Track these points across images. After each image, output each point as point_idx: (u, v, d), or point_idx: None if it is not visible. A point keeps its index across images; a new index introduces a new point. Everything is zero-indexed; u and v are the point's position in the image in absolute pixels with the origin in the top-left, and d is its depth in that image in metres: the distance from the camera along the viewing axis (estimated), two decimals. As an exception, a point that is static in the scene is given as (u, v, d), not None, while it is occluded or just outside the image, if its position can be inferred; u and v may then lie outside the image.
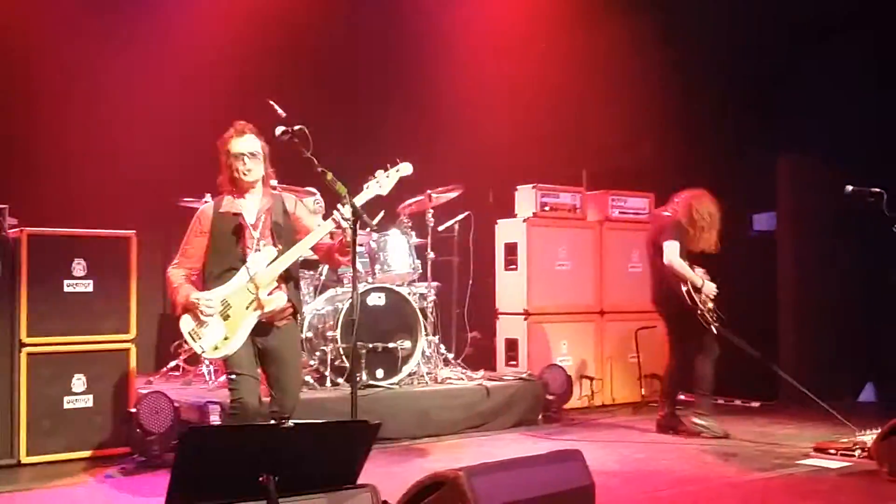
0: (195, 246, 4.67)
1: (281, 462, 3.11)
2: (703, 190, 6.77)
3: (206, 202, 5.44)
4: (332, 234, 4.64)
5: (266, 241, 4.62)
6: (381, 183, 4.65)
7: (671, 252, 6.53)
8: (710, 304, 6.60)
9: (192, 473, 3.03)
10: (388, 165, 4.76)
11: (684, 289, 6.51)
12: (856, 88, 8.22)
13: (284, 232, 4.68)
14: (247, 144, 4.58)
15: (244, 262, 4.55)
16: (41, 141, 7.34)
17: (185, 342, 4.67)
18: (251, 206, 4.67)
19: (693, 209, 6.61)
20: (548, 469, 3.73)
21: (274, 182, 4.92)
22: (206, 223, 4.66)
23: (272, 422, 4.46)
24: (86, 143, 7.51)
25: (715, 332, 6.57)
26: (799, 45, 8.32)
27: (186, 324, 4.54)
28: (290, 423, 3.21)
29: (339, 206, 4.37)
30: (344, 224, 4.36)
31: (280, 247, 4.61)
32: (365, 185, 4.65)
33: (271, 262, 4.54)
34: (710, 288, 6.60)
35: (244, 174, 4.58)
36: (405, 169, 4.77)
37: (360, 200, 4.51)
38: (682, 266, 6.53)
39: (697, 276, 6.56)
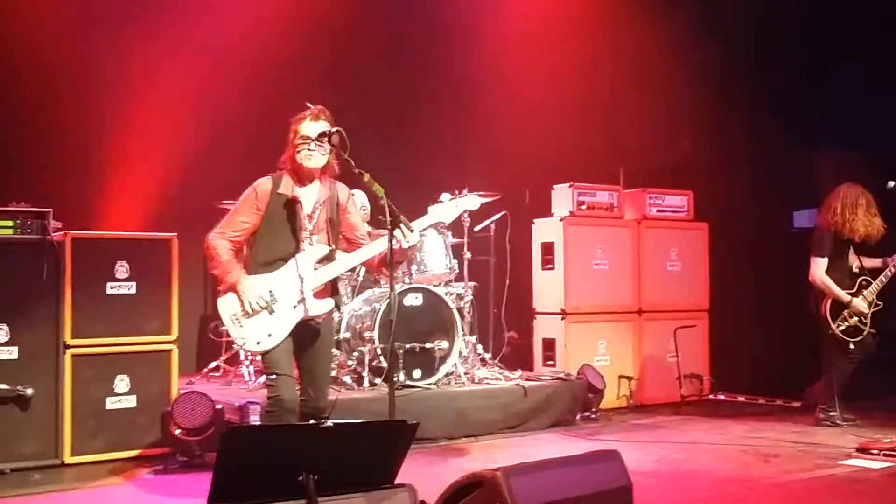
0: (245, 219, 4.52)
1: (320, 461, 3.14)
2: (844, 183, 6.89)
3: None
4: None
5: (319, 235, 4.55)
6: (448, 211, 4.68)
7: (815, 269, 6.78)
8: (854, 320, 6.75)
9: (233, 473, 3.07)
10: (456, 192, 4.74)
11: (826, 305, 6.75)
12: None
13: (335, 228, 4.62)
14: (318, 129, 4.47)
15: (296, 253, 4.48)
16: (84, 145, 7.45)
17: (223, 324, 4.58)
18: (309, 195, 4.56)
19: (831, 209, 6.81)
20: (585, 469, 3.73)
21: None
22: (264, 200, 4.51)
23: (310, 420, 4.44)
24: (128, 146, 7.60)
25: (852, 347, 6.72)
26: (840, 38, 8.21)
27: (229, 306, 4.47)
28: (330, 422, 3.22)
29: (402, 227, 4.31)
30: (405, 244, 4.36)
31: (333, 246, 4.58)
32: (430, 209, 4.67)
33: (321, 261, 4.51)
34: (858, 305, 6.76)
35: (306, 159, 4.47)
36: (473, 203, 4.77)
37: (421, 224, 4.53)
38: (823, 284, 6.76)
39: (843, 293, 6.74)
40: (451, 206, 4.70)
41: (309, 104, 4.60)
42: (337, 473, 3.18)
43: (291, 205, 4.52)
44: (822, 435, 6.53)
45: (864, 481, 5.19)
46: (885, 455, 5.68)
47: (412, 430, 3.40)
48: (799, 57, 8.43)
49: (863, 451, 5.83)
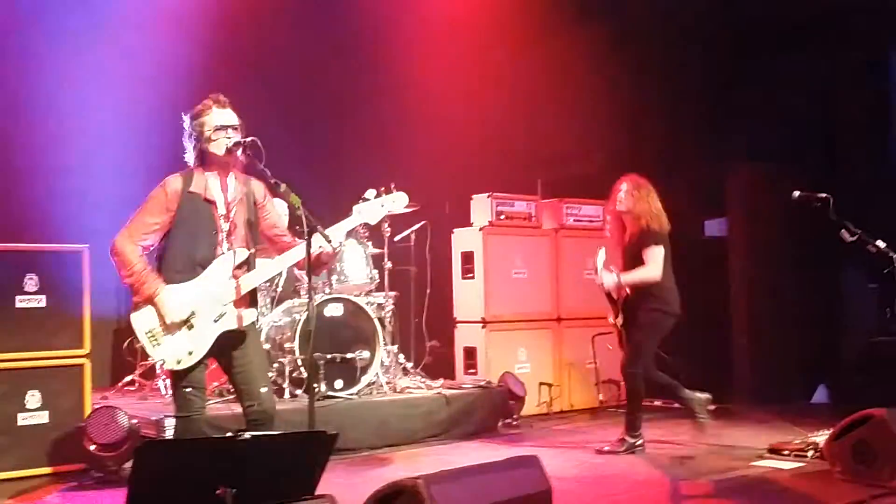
0: (154, 220, 4.19)
1: (239, 475, 3.11)
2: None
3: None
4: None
5: (236, 237, 4.29)
6: (373, 211, 4.47)
7: None
8: None
9: (148, 488, 3.02)
10: (383, 189, 4.52)
11: None
12: (806, 94, 8.38)
13: (254, 229, 4.38)
14: (232, 117, 4.28)
15: (213, 258, 4.22)
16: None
17: (137, 340, 4.25)
18: (223, 193, 4.30)
19: None
20: (505, 475, 3.78)
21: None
22: (174, 199, 4.20)
23: (260, 428, 4.17)
24: (37, 155, 7.41)
25: None
26: (749, 51, 8.47)
27: (144, 321, 4.17)
28: (247, 434, 3.19)
29: (320, 233, 4.14)
30: (327, 249, 4.23)
31: (252, 249, 4.34)
32: (355, 209, 4.46)
33: (240, 267, 4.28)
34: None
35: (228, 147, 4.22)
36: (399, 202, 4.54)
37: (345, 227, 4.36)
38: None
39: None
40: (377, 206, 4.49)
41: (221, 97, 4.35)
42: (256, 486, 3.15)
43: (205, 205, 4.24)
44: (737, 437, 6.70)
45: (774, 481, 5.35)
46: (795, 455, 5.86)
47: (332, 440, 3.39)
48: (710, 68, 8.67)
49: (775, 451, 6.01)
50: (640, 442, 6.24)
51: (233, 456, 3.15)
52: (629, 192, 6.32)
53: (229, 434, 3.25)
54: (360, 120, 9.04)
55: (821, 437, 5.92)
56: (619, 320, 6.34)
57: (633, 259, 6.25)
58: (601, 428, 7.39)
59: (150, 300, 4.17)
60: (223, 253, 4.28)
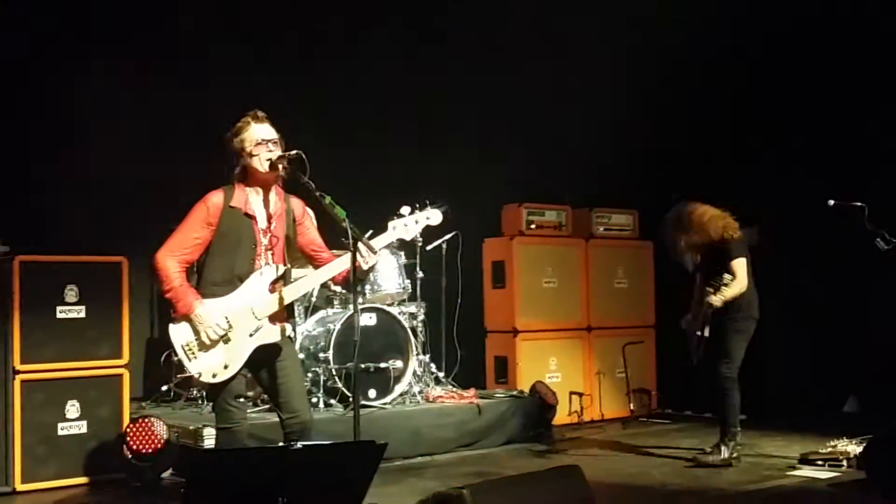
0: (196, 235, 4.22)
1: (290, 484, 3.14)
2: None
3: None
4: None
5: (275, 252, 4.31)
6: (409, 228, 4.45)
7: None
8: None
9: (203, 498, 3.06)
10: (417, 206, 4.52)
11: None
12: (838, 102, 8.33)
13: (291, 245, 4.40)
14: (271, 132, 4.29)
15: (251, 273, 4.24)
16: (31, 165, 7.32)
17: (175, 353, 4.28)
18: (264, 209, 4.31)
19: None
20: (549, 485, 3.81)
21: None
22: (216, 214, 4.22)
23: (297, 439, 4.11)
24: (76, 166, 7.48)
25: None
26: (780, 57, 8.43)
27: (181, 335, 4.18)
28: (299, 444, 3.22)
29: (360, 245, 4.15)
30: (364, 266, 4.23)
31: (289, 265, 4.38)
32: (390, 225, 4.45)
33: (276, 282, 4.28)
34: None
35: (271, 161, 4.22)
36: (434, 218, 4.53)
37: (381, 242, 4.35)
38: None
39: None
40: (412, 222, 4.47)
41: (259, 112, 4.36)
42: (308, 496, 3.18)
43: (245, 219, 4.26)
44: (768, 447, 6.68)
45: (813, 491, 5.34)
46: (829, 465, 5.82)
47: (381, 450, 3.41)
48: (740, 76, 8.64)
49: (805, 461, 5.98)
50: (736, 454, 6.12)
51: (285, 466, 3.18)
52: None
53: (281, 444, 3.28)
54: (393, 129, 9.05)
55: (851, 446, 5.90)
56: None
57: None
58: (633, 437, 7.38)
59: (186, 316, 4.19)
60: (262, 267, 4.30)
